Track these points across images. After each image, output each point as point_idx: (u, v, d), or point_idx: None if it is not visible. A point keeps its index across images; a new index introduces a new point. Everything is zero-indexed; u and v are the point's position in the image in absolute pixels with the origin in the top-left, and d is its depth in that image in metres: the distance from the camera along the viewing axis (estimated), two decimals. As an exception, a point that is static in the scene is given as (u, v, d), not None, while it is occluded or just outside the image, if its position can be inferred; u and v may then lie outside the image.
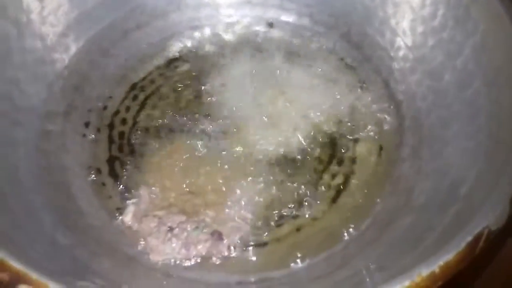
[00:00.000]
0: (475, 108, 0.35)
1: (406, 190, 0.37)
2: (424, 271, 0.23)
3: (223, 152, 0.41)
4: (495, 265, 0.43)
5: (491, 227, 0.25)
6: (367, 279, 0.27)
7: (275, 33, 0.49)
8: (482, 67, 0.35)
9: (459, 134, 0.36)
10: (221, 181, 0.40)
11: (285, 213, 0.39)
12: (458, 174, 0.33)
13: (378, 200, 0.38)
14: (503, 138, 0.30)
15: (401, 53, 0.43)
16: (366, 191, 0.40)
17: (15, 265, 0.23)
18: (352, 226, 0.37)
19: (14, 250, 0.25)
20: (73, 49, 0.44)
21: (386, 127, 0.42)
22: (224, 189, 0.39)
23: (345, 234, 0.37)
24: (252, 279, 0.35)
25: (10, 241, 0.27)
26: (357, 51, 0.46)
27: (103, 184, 0.40)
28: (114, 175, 0.41)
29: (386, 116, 0.43)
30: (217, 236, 0.37)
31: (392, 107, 0.43)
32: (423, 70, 0.41)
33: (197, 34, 0.49)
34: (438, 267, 0.23)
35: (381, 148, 0.42)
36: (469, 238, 0.24)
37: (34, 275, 0.23)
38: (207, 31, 0.49)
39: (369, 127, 0.43)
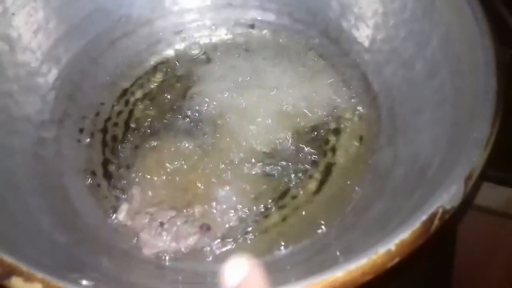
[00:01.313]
0: (442, 96, 0.36)
1: (383, 177, 0.39)
2: (381, 249, 0.25)
3: (210, 148, 0.43)
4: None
5: (446, 206, 0.26)
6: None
7: (257, 33, 0.51)
8: (448, 56, 0.37)
9: (429, 122, 0.37)
10: (209, 176, 0.42)
11: (271, 205, 0.41)
12: (427, 159, 0.34)
13: (357, 188, 0.40)
14: (463, 124, 0.32)
15: (376, 46, 0.45)
16: (346, 180, 0.41)
17: (8, 259, 0.26)
18: (333, 214, 0.39)
19: (11, 247, 0.28)
20: (64, 60, 0.46)
21: (365, 118, 0.44)
22: (211, 183, 0.42)
23: (326, 222, 0.39)
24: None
25: (8, 240, 0.30)
26: (335, 46, 0.48)
27: (98, 185, 0.43)
28: (108, 177, 0.43)
29: (365, 108, 0.45)
30: (206, 228, 0.39)
31: (370, 98, 0.45)
32: (397, 61, 0.43)
33: (182, 38, 0.51)
34: (394, 245, 0.25)
35: (360, 139, 0.44)
36: (424, 217, 0.26)
37: (25, 267, 0.25)
38: (192, 35, 0.51)
39: (349, 119, 0.45)
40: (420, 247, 0.26)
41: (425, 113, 0.38)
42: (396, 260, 0.25)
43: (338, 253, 0.33)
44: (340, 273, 0.25)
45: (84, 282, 0.29)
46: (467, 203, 0.44)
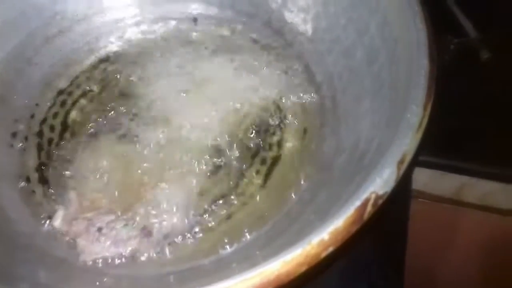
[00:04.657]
0: (380, 82, 0.36)
1: (327, 167, 0.38)
2: (314, 239, 0.24)
3: (151, 148, 0.42)
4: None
5: (378, 191, 0.26)
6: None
7: (200, 27, 0.50)
8: (385, 41, 0.37)
9: (369, 109, 0.37)
10: (149, 177, 0.40)
11: (215, 203, 0.39)
12: (365, 146, 0.34)
13: (303, 181, 0.39)
14: (398, 108, 0.31)
15: (318, 35, 0.45)
16: (292, 173, 0.41)
17: None
18: (279, 208, 0.38)
19: None
20: (-4, 59, 0.44)
21: (309, 109, 0.44)
22: (153, 184, 0.40)
23: (271, 216, 0.38)
24: (183, 268, 0.36)
25: None
26: (279, 37, 0.47)
27: (33, 191, 0.40)
28: (44, 182, 0.41)
29: (309, 98, 0.44)
30: (147, 231, 0.38)
31: (313, 89, 0.44)
32: (339, 50, 0.42)
33: (122, 34, 0.49)
34: (327, 233, 0.24)
35: (305, 131, 0.43)
36: (357, 203, 0.25)
37: None
38: (132, 30, 0.50)
39: (294, 110, 0.44)
40: (355, 235, 0.25)
41: (365, 100, 0.38)
42: (330, 249, 0.24)
43: (279, 246, 0.31)
44: (275, 265, 0.24)
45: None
46: (405, 188, 0.44)
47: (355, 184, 0.30)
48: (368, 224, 0.25)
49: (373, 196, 0.25)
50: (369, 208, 0.25)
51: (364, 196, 0.25)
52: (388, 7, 0.37)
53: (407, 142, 0.27)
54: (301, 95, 0.44)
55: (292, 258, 0.24)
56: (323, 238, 0.24)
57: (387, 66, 0.36)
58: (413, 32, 0.32)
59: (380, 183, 0.26)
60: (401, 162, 0.26)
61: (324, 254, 0.25)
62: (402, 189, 0.39)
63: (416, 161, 0.36)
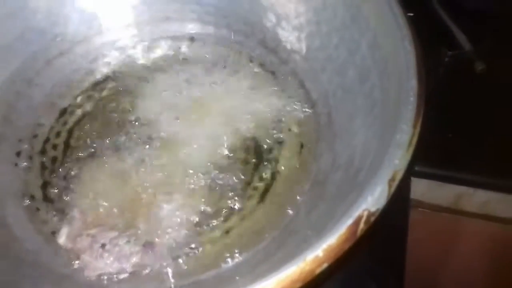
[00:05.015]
0: (372, 100, 0.37)
1: (322, 183, 0.40)
2: (309, 256, 0.25)
3: (152, 164, 0.43)
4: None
5: (370, 208, 0.27)
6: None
7: (197, 46, 0.51)
8: (376, 61, 0.38)
9: (362, 126, 0.38)
10: (151, 193, 0.41)
11: (215, 218, 0.41)
12: (360, 163, 0.35)
13: (298, 197, 0.41)
14: (389, 126, 0.32)
15: (311, 54, 0.46)
16: (289, 188, 0.42)
17: None
18: (276, 223, 0.40)
19: None
20: (-2, 82, 0.45)
21: (305, 125, 0.45)
22: (154, 200, 0.41)
23: (269, 231, 0.39)
24: (186, 283, 0.37)
25: None
26: (274, 56, 0.49)
27: (38, 209, 0.41)
28: (48, 200, 0.42)
29: (305, 115, 0.45)
30: (149, 246, 0.39)
31: (309, 106, 0.45)
32: (332, 68, 0.44)
33: (121, 54, 0.51)
34: (321, 250, 0.25)
35: (302, 146, 0.44)
36: (350, 221, 0.26)
37: None
38: (131, 51, 0.51)
39: (290, 127, 0.45)
40: (350, 251, 0.27)
41: (358, 118, 0.39)
42: (325, 265, 0.26)
43: (278, 261, 0.33)
44: (270, 283, 0.25)
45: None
46: (401, 201, 0.45)
47: (349, 201, 0.31)
48: (361, 240, 0.27)
49: (366, 213, 0.27)
50: (361, 226, 0.26)
51: (356, 213, 0.27)
52: (378, 28, 0.38)
53: (397, 160, 0.28)
54: (297, 111, 0.46)
55: (287, 275, 0.25)
56: (318, 255, 0.25)
57: (379, 86, 0.37)
58: (401, 53, 0.34)
59: (371, 201, 0.27)
60: (392, 180, 0.28)
61: (318, 271, 0.26)
62: (400, 199, 0.40)
63: (408, 177, 0.37)
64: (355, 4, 0.41)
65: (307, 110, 0.45)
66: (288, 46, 0.48)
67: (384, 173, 0.28)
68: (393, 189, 0.28)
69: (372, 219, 0.27)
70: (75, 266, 0.38)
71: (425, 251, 0.55)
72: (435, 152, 0.47)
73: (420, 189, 0.50)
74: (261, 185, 0.43)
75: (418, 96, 0.31)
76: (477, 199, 0.50)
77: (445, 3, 0.57)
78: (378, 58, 0.38)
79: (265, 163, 0.44)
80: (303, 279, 0.25)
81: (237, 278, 0.37)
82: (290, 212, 0.40)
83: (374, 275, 0.45)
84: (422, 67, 0.33)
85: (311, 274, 0.25)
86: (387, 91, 0.35)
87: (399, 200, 0.33)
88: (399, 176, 0.28)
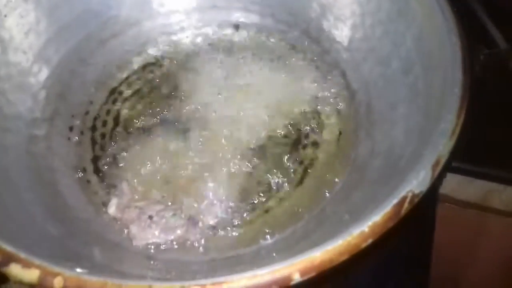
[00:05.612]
0: (415, 90, 0.39)
1: (361, 169, 0.41)
2: (355, 231, 0.27)
3: (196, 145, 0.45)
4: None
5: (415, 190, 0.28)
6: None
7: (242, 34, 0.53)
8: (421, 54, 0.39)
9: (403, 115, 0.39)
10: (195, 171, 0.44)
11: (255, 197, 0.43)
12: (400, 151, 0.37)
13: (337, 180, 0.42)
14: (433, 116, 0.34)
15: (354, 45, 0.47)
16: (327, 173, 0.44)
17: (7, 248, 0.27)
18: (315, 204, 0.41)
19: (8, 237, 0.29)
20: (54, 60, 0.48)
21: (344, 113, 0.47)
22: (198, 178, 0.43)
23: (308, 211, 0.41)
24: (227, 256, 0.39)
25: (4, 231, 0.31)
26: (316, 45, 0.50)
27: (88, 181, 0.44)
28: (98, 173, 0.44)
29: (344, 104, 0.47)
30: (193, 221, 0.41)
31: (349, 95, 0.47)
32: (374, 59, 0.45)
33: (169, 38, 0.53)
34: (367, 226, 0.27)
35: (340, 133, 0.46)
36: (395, 201, 0.28)
37: (23, 255, 0.27)
38: (179, 36, 0.53)
39: (329, 114, 0.47)
40: (392, 229, 0.28)
41: (400, 107, 0.40)
42: (370, 241, 0.27)
43: (318, 238, 0.34)
44: (317, 253, 0.27)
45: (79, 270, 0.30)
46: (435, 191, 0.46)
47: (390, 186, 0.33)
48: (404, 221, 0.28)
49: (410, 194, 0.28)
50: (406, 205, 0.28)
51: (401, 194, 0.28)
52: (424, 21, 0.39)
53: (441, 147, 0.30)
54: (337, 99, 0.47)
55: (333, 247, 0.27)
56: (364, 230, 0.27)
57: (422, 77, 0.38)
58: (447, 46, 0.35)
59: (416, 183, 0.29)
60: (435, 164, 0.29)
61: (363, 245, 0.27)
62: (431, 193, 0.42)
63: (449, 166, 0.38)
64: (403, -2, 0.42)
65: (347, 98, 0.47)
66: (331, 37, 0.49)
67: (428, 159, 0.30)
68: (436, 173, 0.29)
69: (416, 200, 0.29)
70: (124, 235, 0.40)
71: (450, 246, 0.56)
72: (467, 147, 0.48)
73: (450, 184, 0.51)
74: (300, 168, 0.44)
75: (463, 88, 0.33)
76: (505, 196, 0.51)
77: (482, 1, 0.57)
78: (423, 50, 0.39)
79: (304, 148, 0.45)
80: (349, 252, 0.27)
81: (274, 254, 0.39)
82: (328, 195, 0.41)
83: (402, 265, 0.47)
84: (468, 59, 0.34)
85: (357, 248, 0.27)
86: (431, 82, 0.37)
87: (430, 194, 0.34)
88: (442, 162, 0.30)
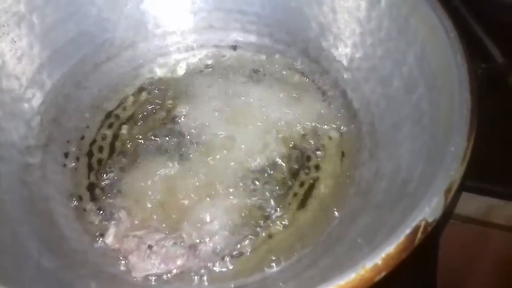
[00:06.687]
0: (420, 111, 0.38)
1: (366, 191, 0.40)
2: (368, 264, 0.26)
3: (196, 169, 0.44)
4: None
5: (428, 219, 0.27)
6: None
7: (239, 54, 0.52)
8: (424, 73, 0.39)
9: (408, 136, 0.39)
10: (196, 197, 0.42)
11: (258, 223, 0.41)
12: (407, 173, 0.36)
13: (341, 203, 0.41)
14: (440, 138, 0.33)
15: (354, 64, 0.47)
16: (331, 196, 0.42)
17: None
18: (319, 229, 0.40)
19: (2, 275, 0.28)
20: (48, 85, 0.46)
21: (346, 134, 0.46)
22: (199, 204, 0.42)
23: (313, 237, 0.39)
24: (229, 286, 0.38)
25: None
26: (315, 65, 0.50)
27: (84, 209, 0.43)
28: (95, 200, 0.43)
29: (346, 124, 0.46)
30: (194, 249, 0.40)
31: (350, 115, 0.46)
32: (375, 78, 0.44)
33: (165, 60, 0.52)
34: (380, 259, 0.26)
35: (343, 154, 0.45)
36: (408, 231, 0.27)
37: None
38: (175, 57, 0.52)
39: (331, 135, 0.46)
40: (405, 260, 0.27)
41: (404, 128, 0.39)
42: (383, 274, 0.26)
43: (326, 265, 0.33)
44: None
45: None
46: (448, 214, 0.46)
47: (401, 211, 0.32)
48: (417, 250, 0.27)
49: (423, 223, 0.27)
50: (419, 235, 0.27)
51: (414, 223, 0.27)
52: (427, 40, 0.39)
53: (453, 172, 0.29)
54: (339, 120, 0.46)
55: (346, 282, 0.26)
56: (377, 263, 0.26)
57: (427, 97, 0.37)
58: (453, 67, 0.34)
59: (429, 211, 0.28)
60: (448, 191, 0.28)
61: (377, 278, 0.26)
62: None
63: (461, 190, 0.37)
64: (402, 16, 0.41)
65: (348, 119, 0.46)
66: (331, 56, 0.48)
67: (440, 184, 0.29)
68: (449, 200, 0.28)
69: (429, 229, 0.27)
70: (122, 267, 0.39)
71: (453, 261, 0.55)
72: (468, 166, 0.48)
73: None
74: (302, 191, 0.43)
75: (471, 110, 0.32)
76: (507, 212, 0.50)
77: (478, 15, 0.57)
78: (426, 70, 0.38)
79: (306, 170, 0.44)
80: (362, 286, 0.25)
81: (281, 284, 0.37)
82: (334, 218, 0.40)
83: (408, 284, 0.46)
84: (475, 81, 0.33)
85: (370, 281, 0.26)
86: (437, 103, 0.36)
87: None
88: (454, 187, 0.29)
